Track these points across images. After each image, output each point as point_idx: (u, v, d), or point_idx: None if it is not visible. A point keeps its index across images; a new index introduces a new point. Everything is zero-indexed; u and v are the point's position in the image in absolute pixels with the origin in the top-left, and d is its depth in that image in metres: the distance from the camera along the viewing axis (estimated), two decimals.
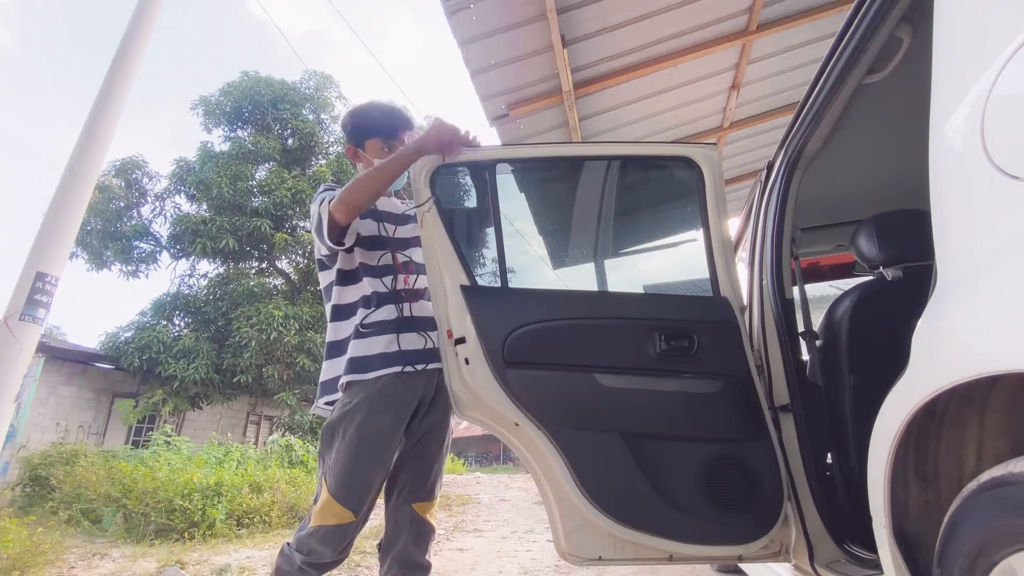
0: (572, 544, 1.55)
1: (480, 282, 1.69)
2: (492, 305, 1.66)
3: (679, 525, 1.53)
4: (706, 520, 1.54)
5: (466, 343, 1.60)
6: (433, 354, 1.66)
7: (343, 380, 1.60)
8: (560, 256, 2.43)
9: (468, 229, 1.81)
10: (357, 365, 1.60)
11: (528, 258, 2.22)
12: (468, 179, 1.92)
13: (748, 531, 1.54)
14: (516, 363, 1.59)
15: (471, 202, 1.91)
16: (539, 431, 1.56)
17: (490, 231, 1.76)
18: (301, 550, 1.52)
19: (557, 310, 1.69)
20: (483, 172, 1.77)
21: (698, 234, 1.78)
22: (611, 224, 2.27)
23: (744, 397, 1.61)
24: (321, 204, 1.59)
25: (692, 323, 1.67)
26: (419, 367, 1.64)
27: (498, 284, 1.72)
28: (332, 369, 1.67)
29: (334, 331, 1.69)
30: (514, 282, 1.74)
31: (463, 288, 1.64)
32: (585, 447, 1.57)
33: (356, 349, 1.62)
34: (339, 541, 1.51)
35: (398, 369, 1.60)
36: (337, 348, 1.67)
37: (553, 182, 2.18)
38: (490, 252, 1.78)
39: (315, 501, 1.56)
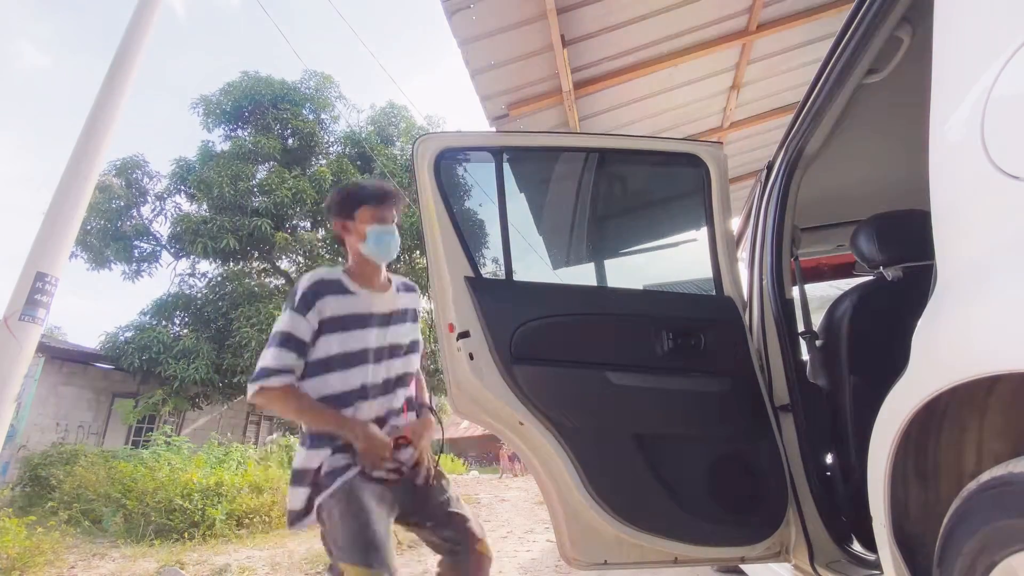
0: (578, 548, 1.52)
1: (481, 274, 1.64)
2: (499, 298, 1.62)
3: (686, 526, 1.51)
4: (713, 521, 1.53)
5: (470, 337, 1.56)
6: None
7: None
8: (560, 250, 2.40)
9: (473, 219, 1.75)
10: None
11: (531, 250, 2.18)
12: (474, 167, 1.88)
13: (753, 532, 1.53)
14: (524, 359, 1.55)
15: (477, 191, 1.86)
16: (546, 430, 1.53)
17: (495, 221, 1.71)
18: None
19: (566, 304, 1.66)
20: (490, 160, 1.72)
21: (701, 232, 1.77)
22: (613, 219, 2.25)
23: (749, 396, 1.60)
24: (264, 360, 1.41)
25: (699, 321, 1.65)
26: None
27: (502, 277, 1.68)
28: None
29: None
30: (517, 275, 1.71)
31: (468, 280, 1.60)
32: (594, 447, 1.53)
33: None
34: None
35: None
36: None
37: (556, 174, 2.15)
38: (492, 246, 1.74)
39: None
